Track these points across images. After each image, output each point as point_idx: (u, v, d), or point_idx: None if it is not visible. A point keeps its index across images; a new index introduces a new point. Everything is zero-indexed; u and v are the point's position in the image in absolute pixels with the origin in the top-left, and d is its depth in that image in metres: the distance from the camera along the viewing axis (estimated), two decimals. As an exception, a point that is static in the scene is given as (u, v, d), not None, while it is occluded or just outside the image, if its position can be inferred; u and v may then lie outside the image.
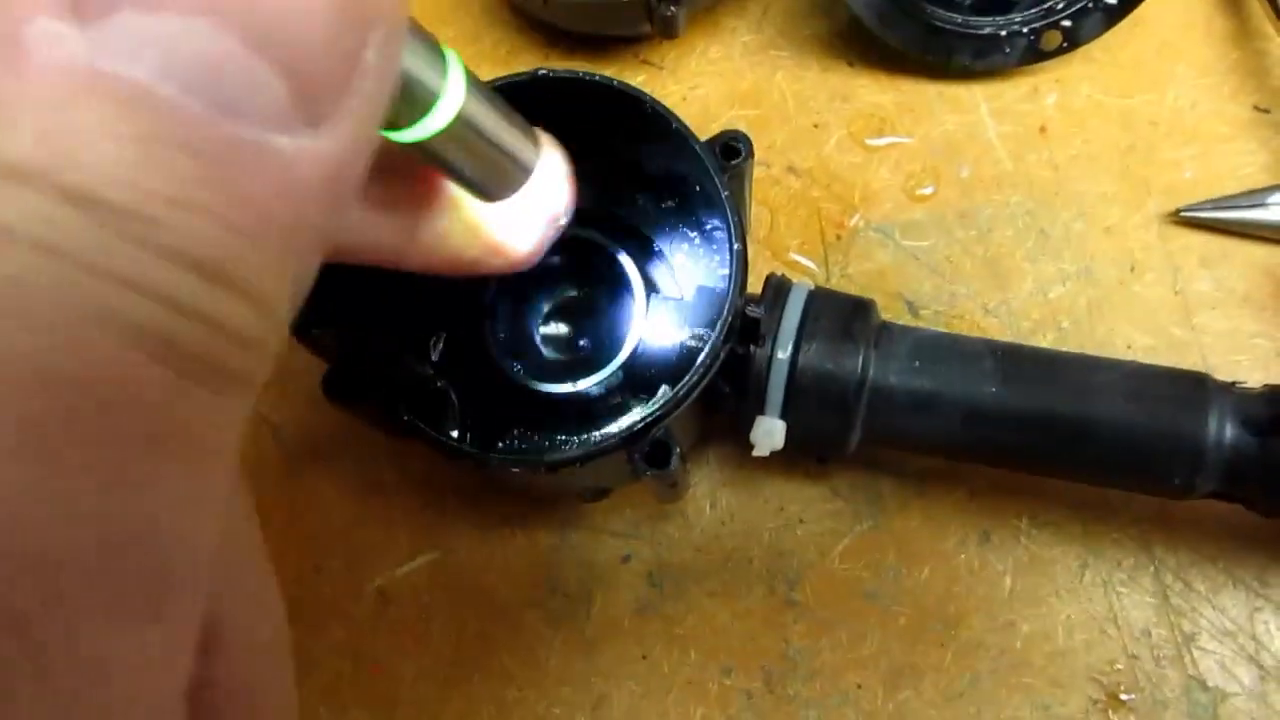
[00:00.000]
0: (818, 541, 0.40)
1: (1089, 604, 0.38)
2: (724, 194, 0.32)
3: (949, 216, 0.44)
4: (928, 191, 0.44)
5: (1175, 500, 0.34)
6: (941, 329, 0.39)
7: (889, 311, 0.42)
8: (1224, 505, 0.38)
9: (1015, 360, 0.34)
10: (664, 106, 0.34)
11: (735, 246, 0.32)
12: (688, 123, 0.34)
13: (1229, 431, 0.32)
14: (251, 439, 0.42)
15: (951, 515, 0.40)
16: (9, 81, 0.13)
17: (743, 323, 0.32)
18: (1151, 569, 0.39)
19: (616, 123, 0.36)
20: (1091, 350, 0.36)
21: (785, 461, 0.41)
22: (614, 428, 0.31)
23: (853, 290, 0.42)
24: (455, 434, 0.34)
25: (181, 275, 0.14)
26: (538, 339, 0.39)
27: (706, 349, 0.31)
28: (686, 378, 0.31)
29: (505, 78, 0.34)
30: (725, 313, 0.31)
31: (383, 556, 0.41)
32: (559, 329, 0.39)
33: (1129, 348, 0.41)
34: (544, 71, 0.34)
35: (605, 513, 0.41)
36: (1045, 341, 0.41)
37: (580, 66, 0.36)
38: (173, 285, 0.13)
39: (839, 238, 0.44)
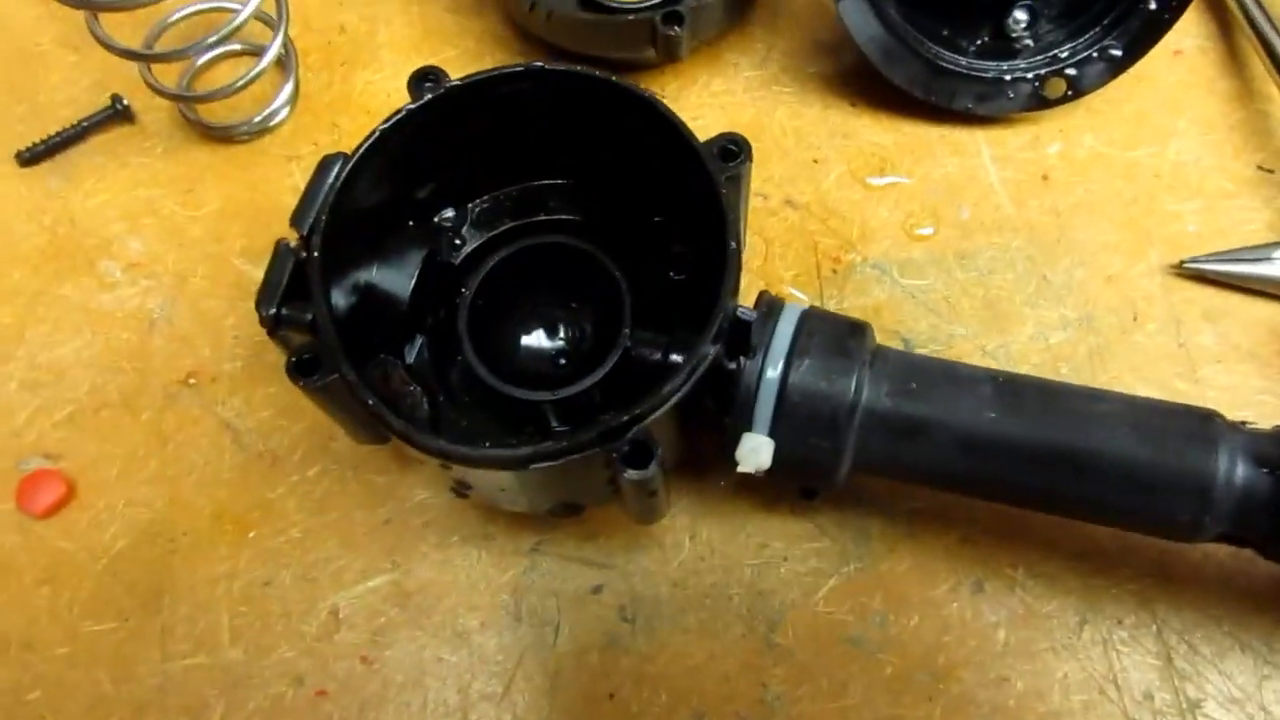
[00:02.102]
0: (801, 582, 0.38)
1: (1088, 662, 0.36)
2: (721, 191, 0.31)
3: (948, 257, 0.43)
4: (927, 231, 0.44)
5: (1182, 542, 0.32)
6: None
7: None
8: (1228, 562, 0.36)
9: (1015, 388, 0.33)
10: (662, 103, 0.33)
11: (731, 245, 0.31)
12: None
13: (1240, 469, 0.30)
14: (210, 444, 0.40)
15: (943, 560, 0.38)
16: None
17: (733, 326, 0.31)
18: (1154, 628, 0.36)
19: (612, 125, 0.35)
20: (1094, 393, 0.35)
21: (770, 496, 0.39)
22: (594, 430, 0.29)
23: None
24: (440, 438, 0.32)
25: None
26: (518, 346, 0.37)
27: (694, 350, 0.30)
28: (672, 378, 0.29)
29: (497, 69, 0.34)
30: (716, 312, 0.30)
31: (339, 574, 0.38)
32: (542, 337, 0.38)
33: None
34: (540, 65, 0.34)
35: (577, 539, 0.38)
36: (1044, 386, 0.40)
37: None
38: None
39: (835, 271, 0.43)
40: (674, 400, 0.29)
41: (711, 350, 0.30)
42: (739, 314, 0.31)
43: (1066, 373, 0.40)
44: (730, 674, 0.36)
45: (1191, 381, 0.40)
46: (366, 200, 0.34)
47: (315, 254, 0.31)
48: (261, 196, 0.45)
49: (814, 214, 0.44)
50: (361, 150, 0.32)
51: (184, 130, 0.47)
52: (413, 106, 0.33)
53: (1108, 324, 0.41)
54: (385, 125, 0.33)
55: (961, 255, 0.43)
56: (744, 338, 0.31)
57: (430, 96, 0.34)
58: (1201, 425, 0.32)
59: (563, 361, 0.38)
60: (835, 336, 0.33)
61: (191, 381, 0.42)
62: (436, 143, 0.35)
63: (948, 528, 0.38)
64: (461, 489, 0.34)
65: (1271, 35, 0.44)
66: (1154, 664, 0.36)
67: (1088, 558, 0.37)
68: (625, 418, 0.29)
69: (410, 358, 0.37)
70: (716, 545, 0.38)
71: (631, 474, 0.29)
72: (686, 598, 0.38)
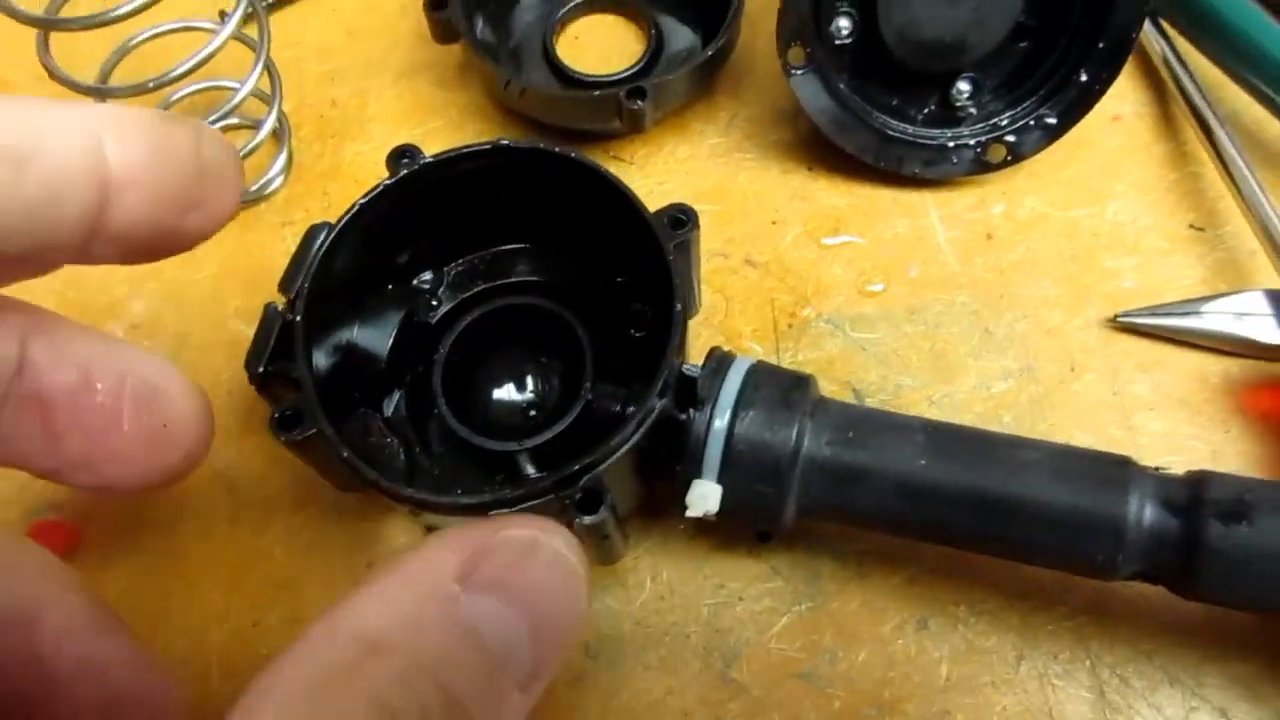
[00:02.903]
0: (756, 620, 0.40)
1: (1025, 696, 0.38)
2: (669, 258, 0.34)
3: (897, 312, 0.46)
4: (878, 288, 0.46)
5: (1101, 580, 0.35)
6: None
7: (836, 398, 0.43)
8: (1159, 600, 0.38)
9: (946, 437, 0.35)
10: (616, 178, 0.36)
11: (676, 308, 0.33)
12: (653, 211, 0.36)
13: (1149, 512, 0.33)
14: (205, 492, 0.43)
15: (890, 599, 0.40)
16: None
17: (679, 382, 0.34)
18: (1088, 663, 0.39)
19: (573, 195, 0.38)
20: (1032, 444, 0.37)
21: (727, 539, 0.41)
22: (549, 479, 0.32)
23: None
24: (410, 486, 0.35)
25: None
26: (490, 399, 0.40)
27: (641, 403, 0.32)
28: (620, 430, 0.32)
29: (467, 146, 0.37)
30: (661, 369, 0.33)
31: (322, 614, 0.41)
32: (512, 390, 0.41)
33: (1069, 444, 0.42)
34: (506, 141, 0.37)
35: (547, 580, 0.41)
36: (987, 434, 0.42)
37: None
38: None
39: (790, 326, 0.45)
40: (623, 450, 0.32)
41: (658, 404, 0.33)
42: (684, 370, 0.34)
43: (1008, 420, 0.43)
44: (688, 708, 0.38)
45: (1126, 429, 0.43)
46: (348, 266, 0.37)
47: (298, 318, 0.34)
48: (256, 260, 0.48)
49: (772, 272, 0.47)
50: (342, 222, 0.35)
51: (186, 197, 0.51)
52: (389, 182, 0.36)
53: (1047, 374, 0.44)
54: (363, 199, 0.36)
55: (910, 310, 0.46)
56: (691, 392, 0.34)
57: (405, 172, 0.37)
58: (1116, 471, 0.34)
59: (533, 413, 0.41)
60: (780, 389, 0.36)
61: (189, 434, 0.44)
62: (413, 212, 0.38)
63: (895, 569, 0.40)
64: (427, 532, 0.37)
65: (1200, 103, 0.47)
66: (1087, 697, 0.38)
67: (1028, 596, 0.40)
68: (577, 466, 0.31)
69: (389, 411, 0.40)
70: (676, 585, 0.41)
71: (583, 519, 0.31)
72: (648, 635, 0.40)
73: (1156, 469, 0.35)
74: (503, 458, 0.38)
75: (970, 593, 0.40)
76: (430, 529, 0.36)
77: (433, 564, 0.26)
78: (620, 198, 0.36)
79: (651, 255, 0.35)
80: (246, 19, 0.42)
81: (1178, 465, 0.41)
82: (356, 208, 0.36)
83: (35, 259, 0.28)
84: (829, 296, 0.46)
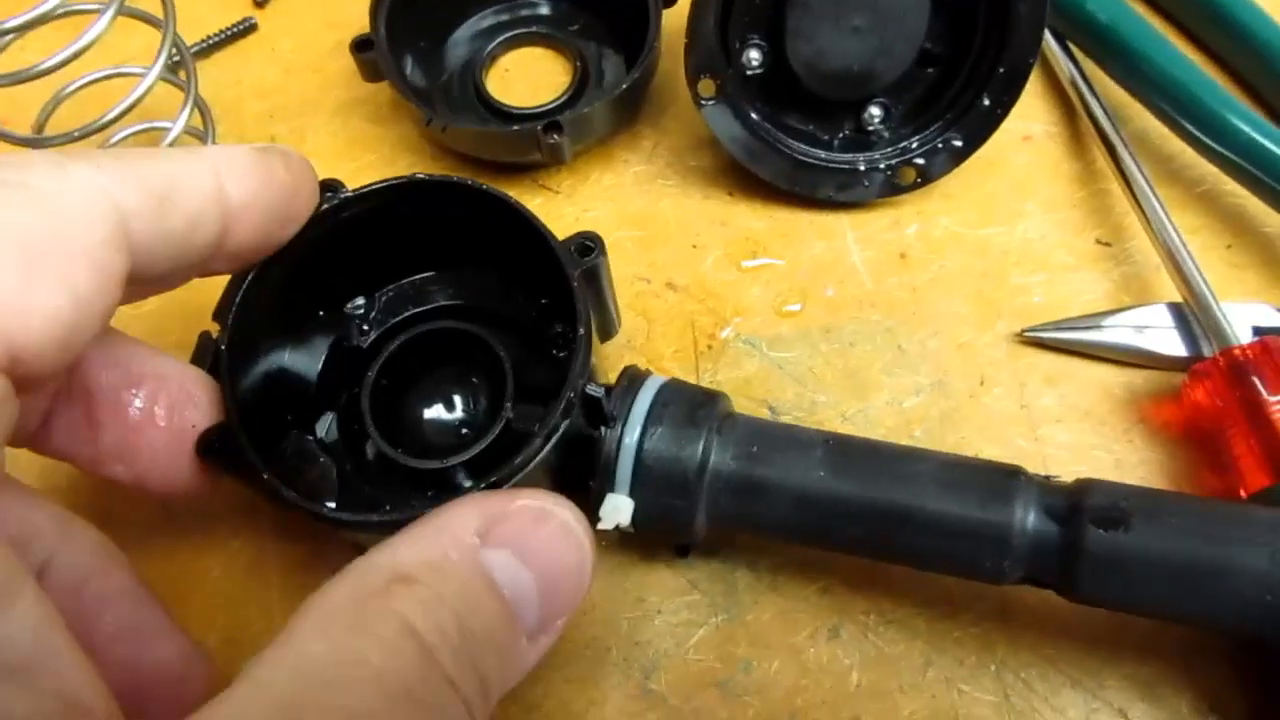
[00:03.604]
0: (674, 632, 0.41)
1: (932, 700, 0.39)
2: (574, 284, 0.36)
3: (814, 331, 0.47)
4: (795, 309, 0.48)
5: (991, 584, 0.36)
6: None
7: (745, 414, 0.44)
8: (1063, 606, 0.39)
9: (844, 450, 0.37)
10: (526, 209, 0.38)
11: (580, 331, 0.35)
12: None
13: (1032, 519, 0.34)
14: (146, 516, 0.45)
15: (804, 610, 0.41)
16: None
17: (585, 401, 0.35)
18: (993, 668, 0.40)
19: (488, 224, 0.40)
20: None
21: (647, 554, 0.43)
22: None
23: (720, 395, 0.44)
24: (332, 504, 0.36)
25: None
26: (421, 419, 0.42)
27: (545, 423, 0.34)
28: (527, 447, 0.34)
29: (384, 181, 0.39)
30: (566, 389, 0.34)
31: (261, 634, 0.42)
32: (442, 410, 0.42)
33: (977, 455, 0.44)
34: (421, 176, 0.39)
35: (472, 598, 0.42)
36: (898, 448, 0.44)
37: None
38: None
39: (710, 347, 0.47)
40: (530, 467, 0.34)
41: (562, 423, 0.34)
42: (588, 391, 0.35)
43: (919, 434, 0.45)
44: (608, 719, 0.40)
45: (1033, 440, 0.44)
46: (277, 295, 0.39)
47: (222, 347, 0.36)
48: (198, 294, 0.49)
49: (693, 295, 0.48)
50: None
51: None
52: (312, 215, 0.38)
53: (958, 389, 0.46)
54: None
55: (826, 329, 0.47)
56: (598, 410, 0.36)
57: (326, 206, 0.39)
58: (1003, 480, 0.36)
59: (465, 431, 0.43)
60: (688, 406, 0.37)
61: (129, 462, 0.46)
62: (340, 243, 0.40)
63: (809, 580, 0.42)
64: (360, 551, 0.38)
65: (1105, 123, 0.48)
66: (992, 700, 0.39)
67: (935, 604, 0.41)
68: (483, 485, 0.33)
69: (322, 433, 0.42)
70: (598, 600, 0.42)
71: None
72: (571, 649, 0.41)
73: (1046, 478, 0.36)
74: (435, 474, 0.40)
75: (880, 602, 0.41)
76: (356, 546, 0.38)
77: (458, 519, 0.30)
78: (529, 228, 0.38)
79: (562, 280, 0.37)
80: (176, 63, 0.44)
81: (1082, 474, 0.43)
82: None
83: (172, 278, 0.34)
84: (748, 317, 0.48)
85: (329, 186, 0.39)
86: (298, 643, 0.26)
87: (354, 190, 0.39)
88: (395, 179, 0.39)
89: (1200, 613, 0.34)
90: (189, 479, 0.37)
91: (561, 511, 0.32)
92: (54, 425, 0.35)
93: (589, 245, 0.38)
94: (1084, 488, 0.35)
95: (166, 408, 0.36)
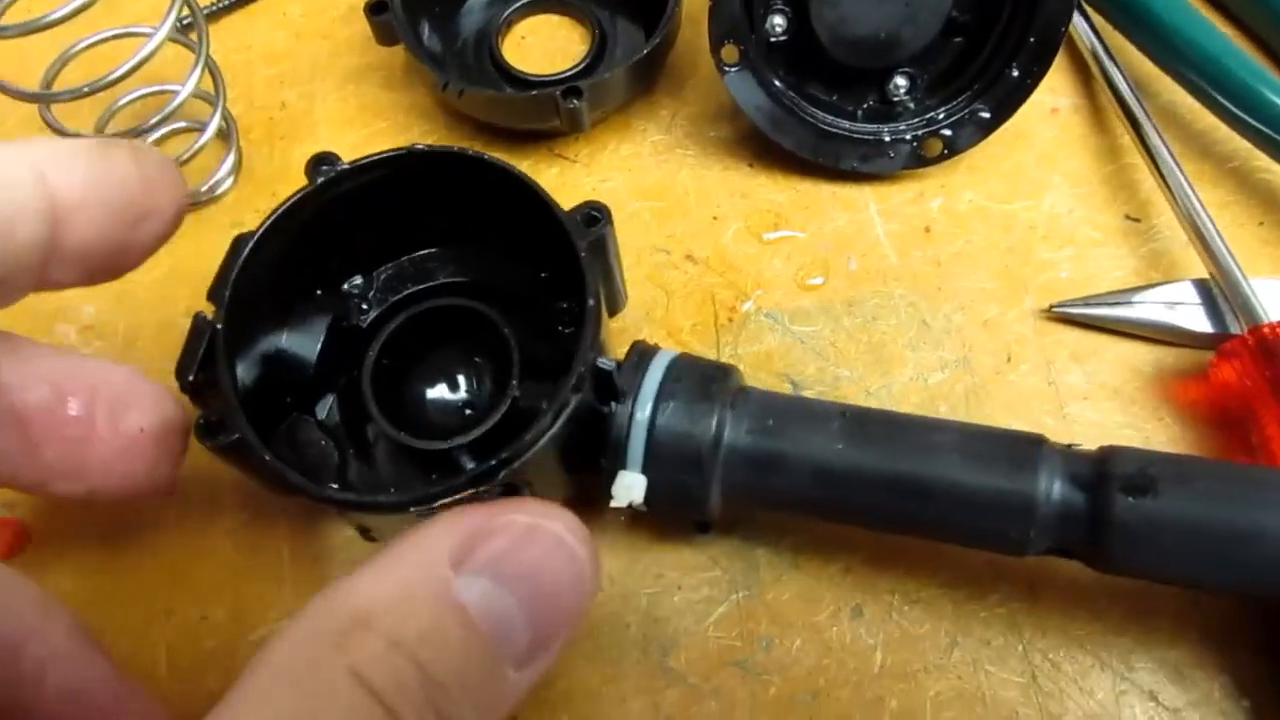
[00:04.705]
0: (694, 609, 0.40)
1: (958, 681, 0.39)
2: (581, 255, 0.35)
3: (836, 305, 0.46)
4: (817, 282, 0.47)
5: (1017, 556, 0.35)
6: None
7: (759, 387, 0.43)
8: (1091, 585, 0.39)
9: (861, 422, 0.36)
10: (529, 178, 0.37)
11: (590, 303, 0.34)
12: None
13: (1057, 488, 0.33)
14: (152, 491, 0.44)
15: (826, 588, 0.41)
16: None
17: (595, 375, 0.34)
18: (1020, 648, 0.39)
19: (492, 196, 0.39)
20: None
21: (666, 530, 0.42)
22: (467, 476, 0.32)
23: (742, 369, 0.44)
24: (335, 486, 0.35)
25: None
26: (424, 400, 0.41)
27: (555, 399, 0.33)
28: (536, 425, 0.33)
29: (381, 153, 0.37)
30: (576, 363, 0.33)
31: (267, 607, 0.41)
32: (445, 390, 0.41)
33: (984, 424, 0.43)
34: (420, 147, 0.37)
35: (487, 574, 0.41)
36: (922, 424, 0.43)
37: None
38: None
39: (731, 320, 0.46)
40: (539, 445, 0.32)
41: (572, 399, 0.33)
42: (599, 365, 0.34)
43: (944, 411, 0.44)
44: (626, 696, 0.39)
45: (1060, 418, 0.43)
46: (272, 274, 0.38)
47: (219, 326, 0.35)
48: (207, 261, 0.48)
49: (712, 268, 0.47)
50: (260, 231, 0.36)
51: (136, 201, 0.51)
52: (306, 190, 0.37)
53: (983, 365, 0.45)
54: (281, 208, 0.36)
55: (849, 303, 0.46)
56: (609, 385, 0.35)
57: (321, 180, 0.37)
58: (1026, 449, 0.35)
59: (469, 411, 0.42)
60: (700, 380, 0.36)
61: (137, 434, 0.45)
62: (336, 219, 0.39)
63: (831, 558, 0.41)
64: (364, 533, 0.37)
65: (1129, 97, 0.47)
66: (1019, 681, 0.38)
67: (960, 584, 0.40)
68: (493, 462, 0.32)
69: (323, 415, 0.41)
70: (615, 576, 0.41)
71: None
72: (587, 625, 0.40)
73: (1069, 446, 0.35)
74: (439, 456, 0.39)
75: (904, 581, 0.40)
76: (361, 528, 0.37)
77: (428, 545, 0.27)
78: (534, 197, 0.37)
79: (568, 253, 0.36)
80: (187, 25, 0.43)
81: (1076, 444, 0.42)
82: (275, 216, 0.36)
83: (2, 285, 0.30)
84: (769, 291, 0.47)
85: (323, 160, 0.38)
86: (241, 708, 0.24)
87: (349, 163, 0.38)
88: (392, 150, 0.38)
89: (1233, 579, 0.33)
90: (145, 483, 0.36)
91: (551, 524, 0.29)
92: None
93: (595, 215, 0.37)
94: (1110, 455, 0.34)
95: (106, 415, 0.35)
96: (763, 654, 0.39)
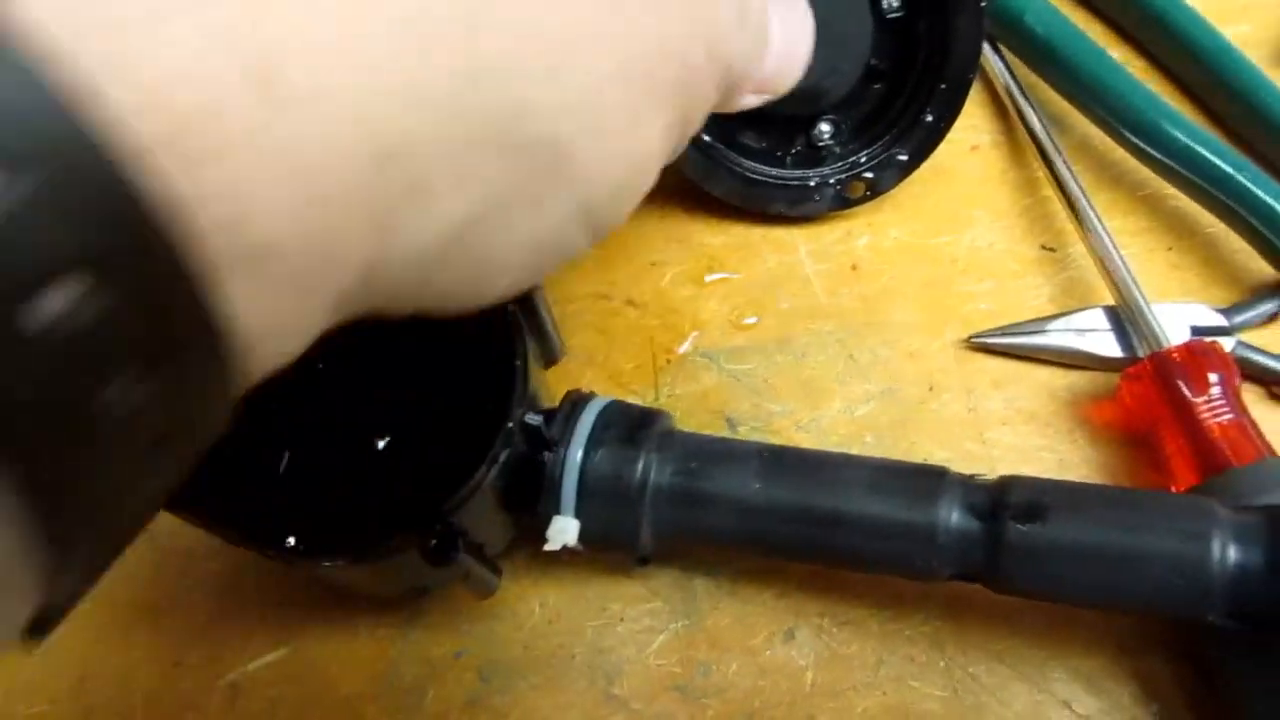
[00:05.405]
0: (636, 638, 0.43)
1: (884, 697, 0.41)
2: (508, 315, 0.37)
3: (769, 344, 0.49)
4: (751, 321, 0.50)
5: (925, 581, 0.38)
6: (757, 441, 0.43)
7: (710, 428, 0.46)
8: (1011, 605, 0.41)
9: (778, 460, 0.38)
10: None
11: (516, 363, 0.37)
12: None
13: (955, 517, 0.36)
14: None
15: (760, 614, 0.43)
16: None
17: (525, 430, 0.37)
18: (943, 664, 0.42)
19: None
20: (895, 462, 0.40)
21: (610, 564, 0.44)
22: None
23: (677, 409, 0.46)
24: (292, 540, 0.37)
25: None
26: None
27: (486, 455, 0.35)
28: (472, 477, 0.35)
29: None
30: (503, 422, 0.36)
31: (239, 652, 0.44)
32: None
33: (927, 459, 0.45)
34: None
35: (443, 612, 0.44)
36: (850, 454, 0.45)
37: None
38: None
39: (669, 362, 0.49)
40: (472, 497, 0.35)
41: (503, 452, 0.36)
42: (527, 420, 0.37)
43: (870, 440, 0.46)
44: (574, 724, 0.42)
45: (980, 443, 0.46)
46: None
47: None
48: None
49: (651, 311, 0.50)
50: None
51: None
52: None
53: (908, 395, 0.47)
54: None
55: (781, 341, 0.49)
56: (539, 438, 0.38)
57: None
58: (929, 482, 0.37)
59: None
60: (628, 426, 0.39)
61: (113, 489, 0.48)
62: None
63: (765, 585, 0.44)
64: (313, 581, 0.40)
65: (1040, 132, 0.50)
66: (941, 695, 0.41)
67: (887, 606, 0.43)
68: (431, 513, 0.35)
69: (281, 469, 0.43)
70: (563, 610, 0.44)
71: (443, 564, 0.35)
72: (536, 658, 0.43)
73: (971, 476, 0.38)
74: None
75: (834, 605, 0.43)
76: (310, 577, 0.39)
77: None
78: None
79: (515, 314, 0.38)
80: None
81: (1027, 475, 0.45)
82: None
83: None
84: (705, 331, 0.49)
85: None
86: None
87: None
88: None
89: (1119, 597, 0.36)
90: None
91: None
92: None
93: None
94: (1005, 485, 0.37)
95: None
96: (701, 679, 0.42)
